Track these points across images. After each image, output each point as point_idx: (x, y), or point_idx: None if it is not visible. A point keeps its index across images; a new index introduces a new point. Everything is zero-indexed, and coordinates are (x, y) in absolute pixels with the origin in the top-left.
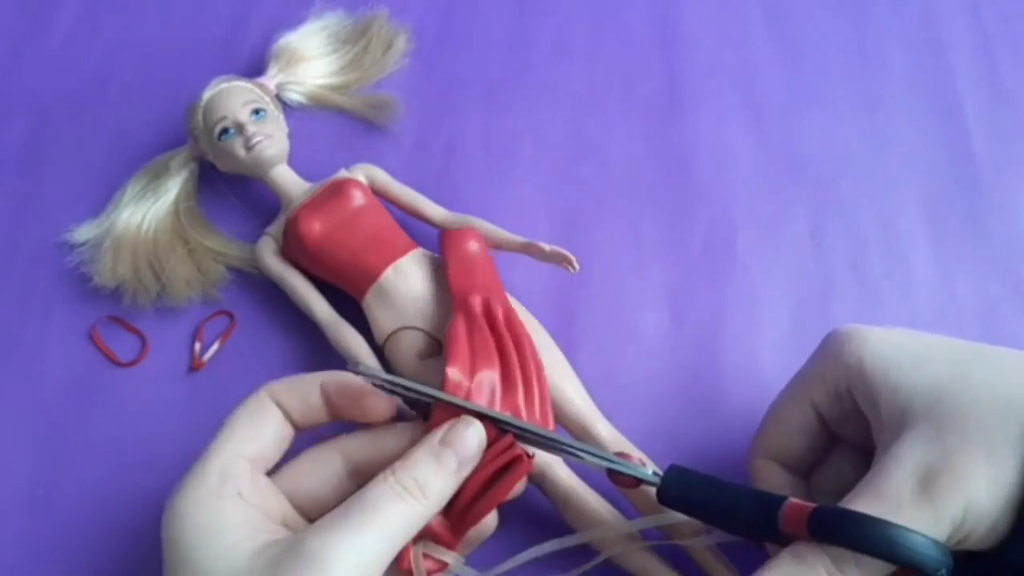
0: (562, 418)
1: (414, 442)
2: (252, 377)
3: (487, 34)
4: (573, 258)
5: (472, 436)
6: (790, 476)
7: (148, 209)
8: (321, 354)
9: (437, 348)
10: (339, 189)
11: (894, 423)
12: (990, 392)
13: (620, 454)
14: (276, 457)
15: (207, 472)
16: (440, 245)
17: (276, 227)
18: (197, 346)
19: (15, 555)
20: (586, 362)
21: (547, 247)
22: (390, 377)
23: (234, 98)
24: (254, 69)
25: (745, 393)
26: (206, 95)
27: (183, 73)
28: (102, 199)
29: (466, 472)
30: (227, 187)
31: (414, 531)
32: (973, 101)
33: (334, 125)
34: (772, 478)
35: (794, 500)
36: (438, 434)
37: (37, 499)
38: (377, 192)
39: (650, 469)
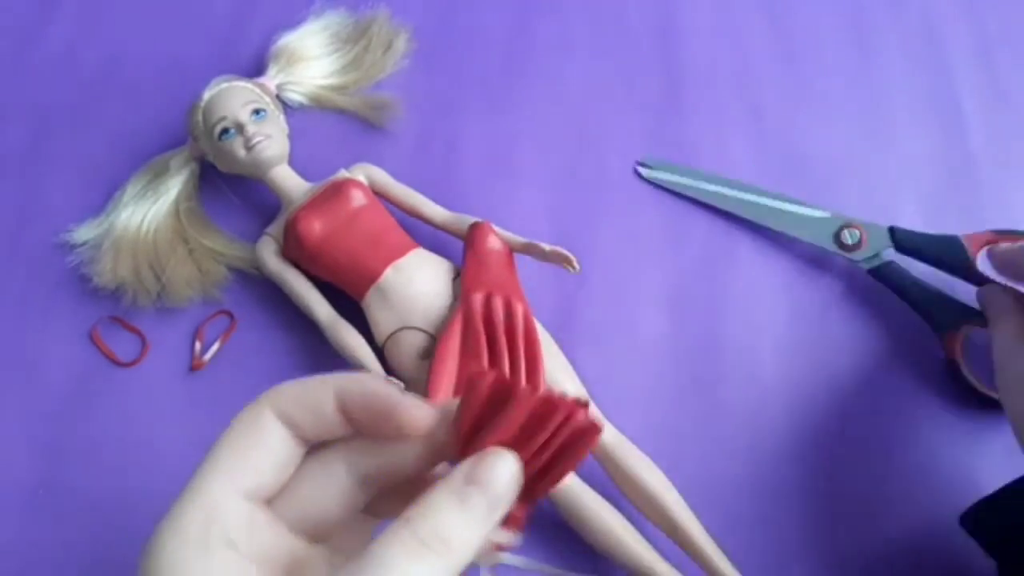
0: None
1: (431, 446)
2: (252, 377)
3: (487, 34)
4: (573, 258)
5: (504, 471)
6: None
7: (148, 209)
8: (321, 354)
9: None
10: (339, 189)
11: None
12: None
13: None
14: (279, 483)
15: (187, 517)
16: (466, 237)
17: (276, 227)
18: (197, 346)
19: (15, 555)
20: (586, 362)
21: (547, 247)
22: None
23: (234, 98)
24: (254, 69)
25: (745, 393)
26: (206, 95)
27: (183, 73)
28: (102, 199)
29: (499, 515)
30: (227, 187)
31: None
32: (973, 101)
33: (334, 125)
34: None
35: None
36: (462, 470)
37: (37, 499)
38: (377, 192)
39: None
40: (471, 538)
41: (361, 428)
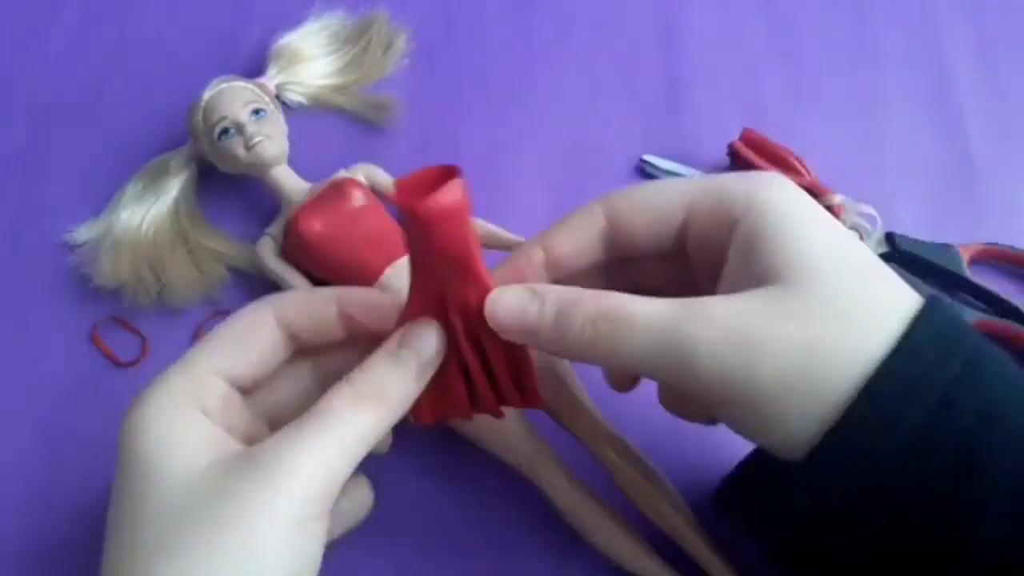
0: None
1: (345, 312)
2: None
3: (487, 35)
4: None
5: (431, 337)
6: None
7: (148, 209)
8: None
9: None
10: (339, 189)
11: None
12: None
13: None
14: (262, 375)
15: (171, 383)
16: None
17: (276, 227)
18: None
19: (14, 555)
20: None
21: None
22: None
23: (234, 98)
24: (254, 69)
25: None
26: (206, 95)
27: (183, 73)
28: (102, 199)
29: (427, 376)
30: (227, 187)
31: (376, 439)
32: (973, 101)
33: (334, 125)
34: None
35: None
36: (395, 338)
37: (37, 499)
38: (377, 192)
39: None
40: (404, 391)
41: (359, 329)
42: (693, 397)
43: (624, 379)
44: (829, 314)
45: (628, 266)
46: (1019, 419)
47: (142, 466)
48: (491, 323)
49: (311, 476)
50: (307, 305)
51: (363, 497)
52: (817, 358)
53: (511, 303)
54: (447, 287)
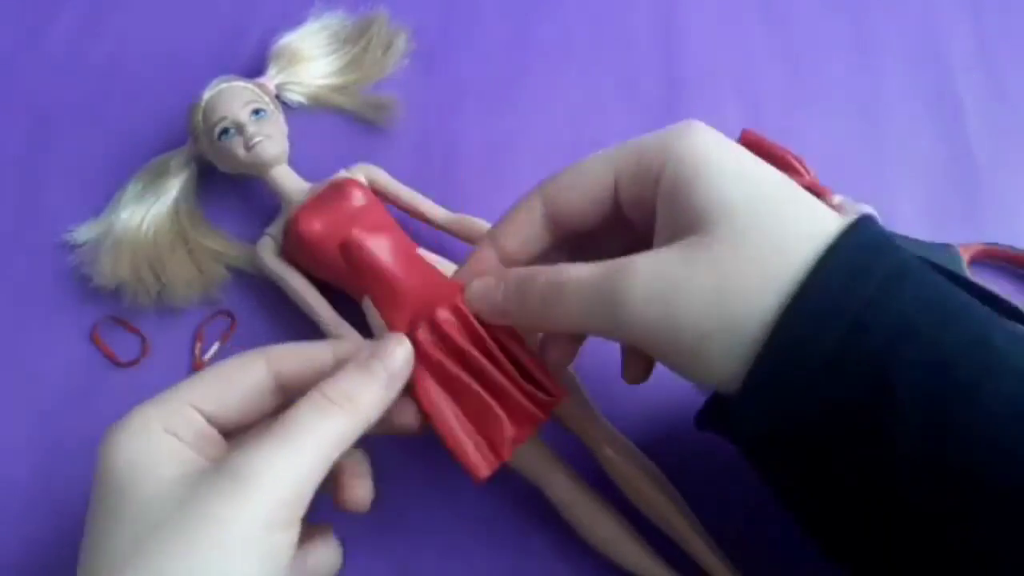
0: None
1: (341, 357)
2: None
3: (487, 35)
4: None
5: (400, 351)
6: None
7: (148, 209)
8: None
9: None
10: (339, 189)
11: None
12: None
13: None
14: (243, 419)
15: (147, 411)
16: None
17: (276, 227)
18: (197, 346)
19: (13, 555)
20: (585, 361)
21: None
22: None
23: (234, 98)
24: (254, 69)
25: None
26: (206, 95)
27: (183, 73)
28: (102, 199)
29: (398, 387)
30: (227, 187)
31: (345, 445)
32: (973, 101)
33: (334, 125)
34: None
35: None
36: (366, 350)
37: (36, 498)
38: (377, 192)
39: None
40: (374, 399)
41: None
42: (632, 350)
43: (635, 370)
44: (740, 256)
45: (584, 241)
46: (931, 333)
47: (116, 482)
48: (469, 308)
49: (280, 482)
50: (300, 353)
51: (330, 556)
52: (730, 301)
53: (480, 289)
54: (411, 307)
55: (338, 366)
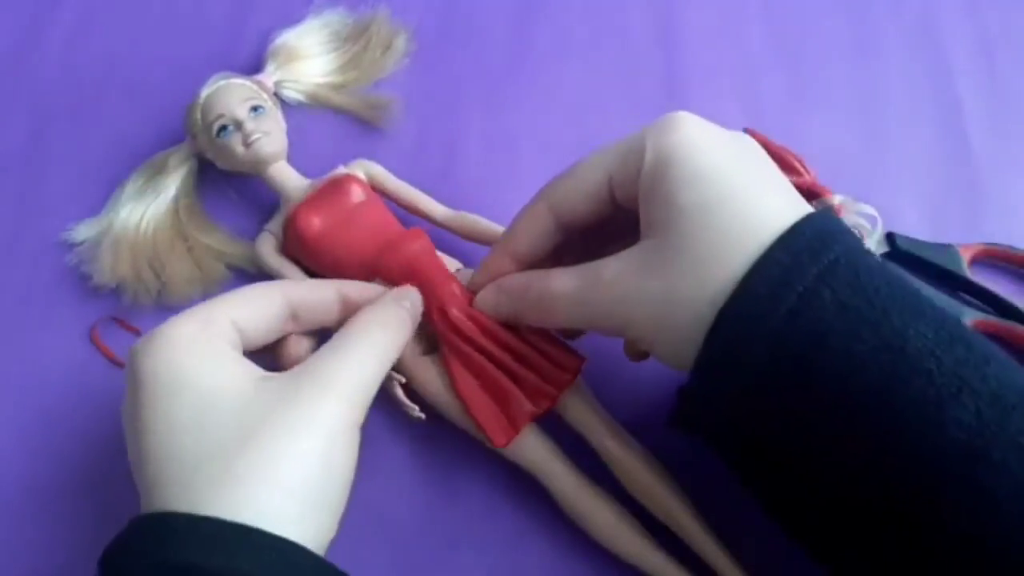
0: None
1: (345, 297)
2: None
3: (487, 34)
4: None
5: (413, 293)
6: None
7: (147, 207)
8: None
9: (436, 344)
10: (338, 185)
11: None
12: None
13: None
14: (263, 342)
15: (188, 320)
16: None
17: (275, 223)
18: None
19: (11, 554)
20: (585, 354)
21: None
22: None
23: (232, 95)
24: (253, 67)
25: None
26: (204, 92)
27: (182, 73)
28: (101, 197)
29: (414, 324)
30: (226, 184)
31: (393, 358)
32: (973, 101)
33: (332, 124)
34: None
35: None
36: (389, 294)
37: (35, 497)
38: (376, 188)
39: None
40: (406, 324)
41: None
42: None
43: (632, 351)
44: (684, 262)
45: (594, 233)
46: (842, 343)
47: (182, 383)
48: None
49: (356, 383)
50: (311, 285)
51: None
52: (675, 308)
53: (484, 300)
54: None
55: (341, 300)
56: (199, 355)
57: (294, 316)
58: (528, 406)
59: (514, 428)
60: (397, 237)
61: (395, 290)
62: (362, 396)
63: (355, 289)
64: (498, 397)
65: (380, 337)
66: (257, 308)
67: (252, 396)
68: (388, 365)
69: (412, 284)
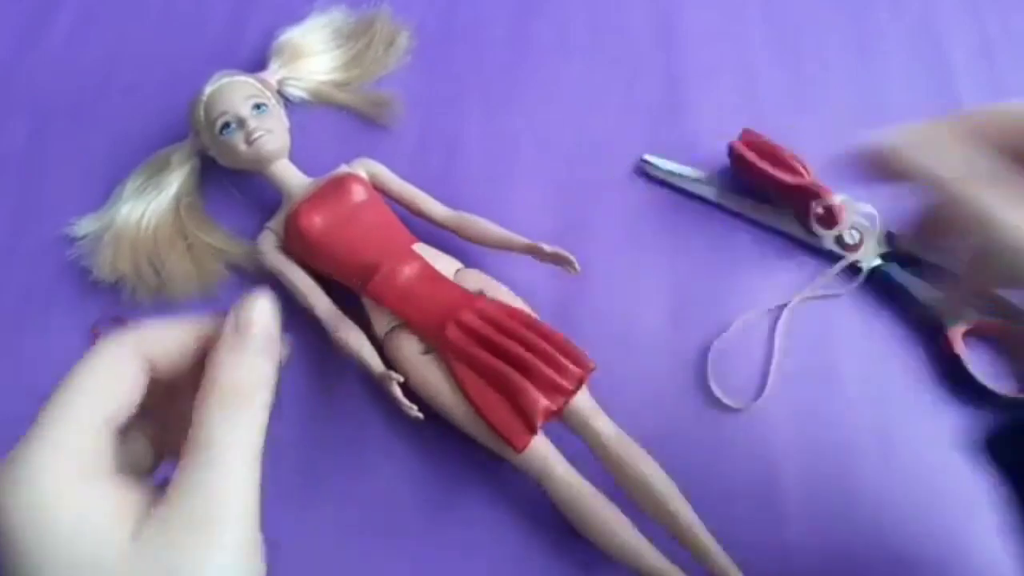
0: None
1: (202, 336)
2: None
3: (488, 33)
4: (574, 259)
5: (257, 314)
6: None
7: (148, 204)
8: (321, 351)
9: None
10: (340, 184)
11: None
12: None
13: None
14: (130, 412)
15: (61, 449)
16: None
17: (277, 221)
18: None
19: None
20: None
21: (548, 248)
22: None
23: (235, 93)
24: (256, 64)
25: (745, 392)
26: (208, 90)
27: (184, 69)
28: (103, 193)
29: (276, 348)
30: (228, 182)
31: (263, 434)
32: (973, 101)
33: (335, 122)
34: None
35: None
36: (229, 320)
37: None
38: (378, 187)
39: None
40: (260, 376)
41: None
42: None
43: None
44: None
45: None
46: None
47: (47, 554)
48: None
49: (238, 521)
50: (166, 334)
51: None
52: None
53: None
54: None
55: (203, 342)
56: (68, 520)
57: (152, 368)
58: (544, 402)
59: (530, 430)
60: (389, 260)
61: (235, 314)
62: (252, 512)
63: (213, 329)
64: (511, 398)
65: (234, 432)
66: (116, 381)
67: (127, 553)
68: (259, 448)
69: (413, 308)
